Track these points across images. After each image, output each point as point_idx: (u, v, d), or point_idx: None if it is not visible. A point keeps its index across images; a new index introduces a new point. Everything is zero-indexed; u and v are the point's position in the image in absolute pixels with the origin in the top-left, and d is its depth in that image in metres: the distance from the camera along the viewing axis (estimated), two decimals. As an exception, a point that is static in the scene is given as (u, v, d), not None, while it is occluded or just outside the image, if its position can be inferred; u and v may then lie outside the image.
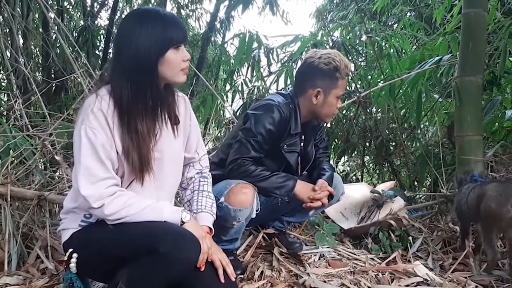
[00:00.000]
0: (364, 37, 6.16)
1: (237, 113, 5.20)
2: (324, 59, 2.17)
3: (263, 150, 2.15)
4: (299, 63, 5.70)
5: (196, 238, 1.56)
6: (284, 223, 2.55)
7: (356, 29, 5.91)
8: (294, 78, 2.35)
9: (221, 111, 5.66)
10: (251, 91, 5.65)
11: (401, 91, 4.21)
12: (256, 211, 2.10)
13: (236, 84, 5.81)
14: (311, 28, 10.91)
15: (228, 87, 6.20)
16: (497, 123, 4.20)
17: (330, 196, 2.24)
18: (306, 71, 2.24)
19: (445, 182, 3.33)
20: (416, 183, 4.63)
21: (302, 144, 2.31)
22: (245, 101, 5.51)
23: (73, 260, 1.58)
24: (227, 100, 5.87)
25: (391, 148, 4.95)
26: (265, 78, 5.59)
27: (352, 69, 2.21)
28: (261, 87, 5.67)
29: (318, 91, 2.18)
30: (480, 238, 2.56)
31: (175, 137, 1.74)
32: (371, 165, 5.47)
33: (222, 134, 5.68)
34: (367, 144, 5.10)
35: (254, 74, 5.41)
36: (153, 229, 1.55)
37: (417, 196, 4.03)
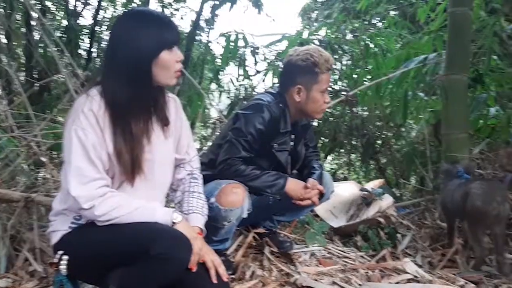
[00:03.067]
0: (349, 36, 6.20)
1: (224, 113, 5.19)
2: (302, 55, 2.17)
3: (254, 150, 2.14)
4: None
5: (187, 239, 1.55)
6: (274, 223, 2.54)
7: (342, 28, 5.93)
8: (278, 79, 2.35)
9: (207, 111, 5.65)
10: (238, 90, 5.65)
11: (387, 89, 4.23)
12: (248, 211, 2.09)
13: (222, 83, 5.80)
14: (297, 27, 10.96)
15: (214, 86, 6.20)
16: (482, 121, 4.26)
17: (321, 195, 2.24)
18: (286, 69, 2.25)
19: (431, 179, 3.35)
20: (402, 181, 4.67)
21: (292, 143, 2.31)
22: (232, 100, 5.51)
23: (64, 262, 1.56)
24: (213, 99, 5.86)
25: (378, 146, 4.99)
26: (252, 77, 5.60)
27: (334, 63, 2.20)
28: (248, 86, 5.67)
29: (299, 88, 2.17)
30: (467, 235, 2.60)
31: (166, 138, 1.73)
32: (357, 163, 5.50)
33: (208, 134, 5.68)
34: (354, 142, 5.13)
35: (241, 73, 5.40)
36: (145, 231, 1.53)
37: (405, 193, 4.07)
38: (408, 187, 4.37)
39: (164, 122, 1.72)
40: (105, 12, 7.50)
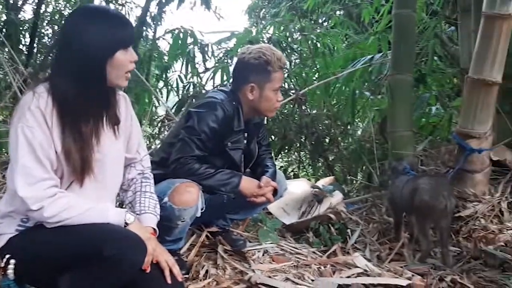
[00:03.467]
0: (296, 35, 6.27)
1: (173, 110, 5.13)
2: (254, 53, 2.18)
3: (207, 149, 2.12)
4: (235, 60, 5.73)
5: (141, 239, 1.53)
6: (227, 221, 2.54)
7: (290, 27, 6.00)
8: (231, 77, 2.36)
9: (155, 109, 5.55)
10: (186, 88, 5.59)
11: (335, 88, 4.33)
12: (201, 209, 2.08)
13: (170, 81, 5.72)
14: (244, 24, 10.98)
15: (161, 83, 6.09)
16: (424, 119, 4.44)
17: (274, 192, 2.26)
18: (239, 67, 2.25)
19: (378, 176, 3.46)
20: (350, 178, 4.80)
21: (245, 141, 2.31)
22: (180, 97, 5.44)
23: (11, 266, 1.49)
24: (161, 97, 5.77)
25: (326, 144, 5.09)
26: (201, 75, 5.56)
27: (286, 62, 2.23)
28: (197, 84, 5.62)
29: (252, 86, 2.18)
30: (413, 229, 2.70)
31: (116, 137, 1.69)
32: (307, 160, 5.59)
33: (156, 132, 5.58)
34: (303, 140, 5.21)
35: (189, 70, 5.34)
36: (97, 232, 1.49)
37: (354, 189, 4.17)
38: (356, 183, 4.49)
39: (114, 121, 1.68)
40: (47, 6, 7.20)
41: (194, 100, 5.33)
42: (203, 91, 5.48)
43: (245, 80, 2.17)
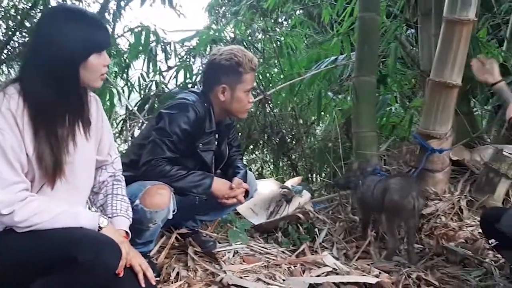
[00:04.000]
0: (259, 34, 6.29)
1: (135, 109, 5.05)
2: (226, 55, 2.18)
3: (178, 150, 2.11)
4: (199, 58, 5.70)
5: (116, 243, 1.52)
6: (197, 222, 2.53)
7: (254, 26, 6.02)
8: (201, 78, 2.36)
9: (115, 108, 5.44)
10: (149, 86, 5.51)
11: (300, 89, 4.37)
12: (173, 212, 2.06)
13: (131, 79, 5.62)
14: (204, 22, 10.91)
15: (120, 81, 5.97)
16: (384, 119, 4.56)
17: (246, 194, 2.27)
18: (210, 68, 2.25)
19: (342, 175, 3.52)
20: (315, 177, 4.87)
21: (216, 142, 2.31)
22: (143, 96, 5.36)
23: None
24: (122, 96, 5.66)
25: (290, 143, 5.15)
26: (164, 73, 5.49)
27: (257, 63, 2.26)
28: (159, 82, 5.55)
29: (223, 87, 2.18)
30: (380, 227, 2.77)
31: (87, 139, 1.67)
32: (271, 160, 5.63)
33: (117, 131, 5.47)
34: (268, 140, 5.24)
35: (151, 68, 5.26)
36: (70, 236, 1.47)
37: (317, 189, 4.23)
38: (320, 183, 4.55)
39: (86, 123, 1.66)
40: (1, 1, 6.91)
41: (157, 99, 5.28)
42: (166, 90, 5.44)
43: (217, 81, 2.17)
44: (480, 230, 2.69)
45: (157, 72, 5.35)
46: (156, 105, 5.13)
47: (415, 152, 3.37)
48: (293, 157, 5.30)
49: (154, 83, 5.46)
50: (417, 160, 3.18)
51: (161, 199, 1.99)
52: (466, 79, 3.13)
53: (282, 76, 4.81)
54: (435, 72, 3.04)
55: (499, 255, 2.51)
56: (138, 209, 1.93)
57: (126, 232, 1.72)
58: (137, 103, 5.23)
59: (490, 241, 2.38)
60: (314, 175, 5.08)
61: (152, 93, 5.37)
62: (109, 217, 1.71)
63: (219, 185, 2.16)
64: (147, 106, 5.05)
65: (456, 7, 2.89)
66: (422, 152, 3.12)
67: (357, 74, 3.56)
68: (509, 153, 3.06)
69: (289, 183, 3.15)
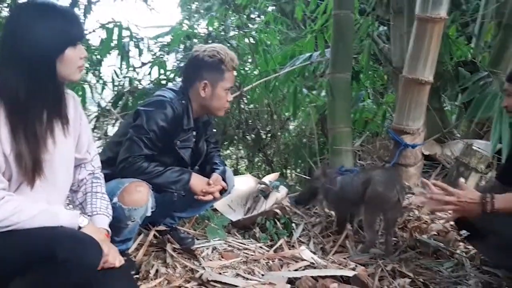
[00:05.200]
0: (233, 31, 6.28)
1: (109, 106, 5.00)
2: (209, 52, 2.19)
3: (156, 147, 2.11)
4: (173, 55, 5.66)
5: (96, 242, 1.51)
6: (175, 219, 2.53)
7: (228, 22, 6.01)
8: (182, 74, 2.36)
9: (87, 104, 5.37)
10: (122, 83, 5.45)
11: (275, 85, 4.41)
12: (152, 209, 2.06)
13: (103, 76, 5.54)
14: (177, 18, 10.84)
15: (92, 78, 5.89)
16: (358, 114, 4.63)
17: (223, 190, 2.28)
18: (192, 64, 2.25)
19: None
20: (291, 172, 4.91)
21: (194, 139, 2.31)
22: (116, 93, 5.30)
23: None
24: (95, 92, 5.59)
25: (266, 139, 5.18)
26: (137, 70, 5.44)
27: (238, 62, 2.28)
28: (133, 79, 5.50)
29: (205, 83, 2.19)
30: (354, 222, 2.82)
31: (66, 137, 1.65)
32: (247, 155, 5.65)
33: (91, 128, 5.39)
34: (243, 135, 5.26)
35: (124, 65, 5.20)
36: (50, 235, 1.45)
37: (297, 184, 4.27)
38: (296, 178, 4.60)
39: (64, 120, 1.64)
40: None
41: (131, 95, 5.22)
42: (140, 86, 5.39)
43: (199, 77, 2.18)
44: (452, 222, 2.77)
45: (131, 68, 5.31)
46: (130, 101, 5.10)
47: (388, 147, 3.45)
48: (268, 152, 5.34)
49: (127, 79, 5.42)
50: (391, 154, 3.25)
51: (140, 197, 1.99)
52: (437, 75, 3.21)
53: (256, 73, 4.83)
54: (408, 69, 3.11)
55: (470, 246, 2.60)
56: (116, 207, 1.92)
57: (107, 230, 1.71)
58: (110, 99, 5.18)
59: (461, 233, 2.47)
60: (289, 170, 5.13)
61: (126, 90, 5.32)
62: (88, 215, 1.69)
63: (197, 180, 2.17)
64: (121, 102, 5.01)
65: (428, 5, 2.96)
66: (396, 147, 3.19)
67: (332, 71, 3.60)
68: (479, 148, 3.16)
69: (267, 178, 3.17)
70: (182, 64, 5.42)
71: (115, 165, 2.10)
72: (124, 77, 5.44)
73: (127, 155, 2.06)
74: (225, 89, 2.22)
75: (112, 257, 1.60)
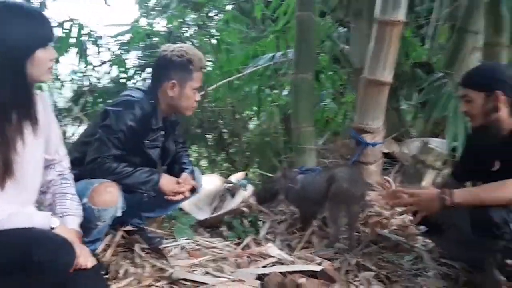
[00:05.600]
0: (191, 29, 6.27)
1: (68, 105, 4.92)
2: (177, 51, 2.22)
3: (125, 148, 2.11)
4: (133, 53, 5.61)
5: (69, 243, 1.52)
6: (143, 219, 2.53)
7: (188, 21, 6.00)
8: (150, 74, 2.37)
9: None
10: (81, 82, 5.37)
11: (239, 85, 4.45)
12: (122, 209, 2.07)
13: (59, 75, 5.43)
14: (134, 15, 10.68)
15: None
16: (319, 114, 4.74)
17: (193, 189, 2.31)
18: (161, 64, 2.26)
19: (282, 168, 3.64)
20: (252, 171, 4.96)
21: (162, 139, 2.32)
22: (76, 91, 5.22)
23: None
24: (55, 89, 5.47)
25: (228, 138, 5.21)
26: (97, 68, 5.38)
27: (205, 63, 2.32)
28: (92, 77, 5.42)
29: (173, 83, 2.20)
30: (319, 217, 2.89)
31: (35, 138, 1.64)
32: (208, 154, 5.66)
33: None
34: (206, 135, 5.28)
35: (83, 64, 5.11)
36: (24, 236, 1.45)
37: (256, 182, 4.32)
38: (260, 176, 4.64)
39: (34, 121, 1.63)
40: None
41: (90, 94, 5.15)
42: (99, 85, 5.33)
43: (167, 77, 2.19)
44: (411, 217, 2.90)
45: (89, 67, 5.23)
46: (90, 100, 5.03)
47: (349, 146, 3.55)
48: (231, 151, 5.38)
49: (87, 78, 5.34)
50: (353, 153, 3.35)
51: (110, 197, 2.00)
52: (395, 76, 3.34)
53: (219, 72, 4.85)
54: (369, 70, 3.21)
55: (428, 240, 2.72)
56: (86, 207, 1.92)
57: (78, 231, 1.72)
58: (70, 98, 5.09)
59: (419, 228, 2.59)
60: (252, 169, 5.18)
61: (85, 88, 5.24)
62: (59, 217, 1.69)
63: (166, 181, 2.19)
64: (81, 101, 4.94)
65: (388, 9, 3.07)
66: (357, 145, 3.29)
67: (296, 71, 3.68)
68: (435, 146, 3.31)
69: (233, 178, 3.21)
70: (142, 63, 5.40)
71: (83, 166, 2.09)
72: (84, 75, 5.35)
73: (96, 156, 2.05)
74: (193, 89, 2.24)
75: (84, 258, 1.60)
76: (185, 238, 2.60)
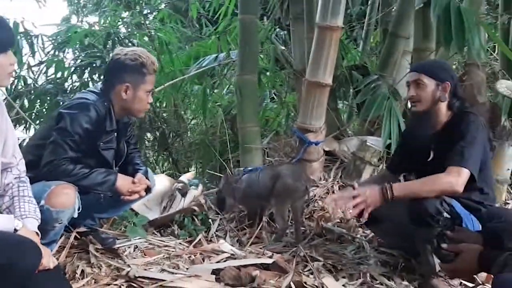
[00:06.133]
0: (129, 28, 6.21)
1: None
2: (131, 55, 2.26)
3: (80, 150, 2.13)
4: (70, 53, 5.48)
5: (36, 244, 1.55)
6: (95, 220, 2.55)
7: (127, 20, 5.95)
8: (103, 76, 2.39)
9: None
10: (16, 82, 5.18)
11: (182, 86, 4.50)
12: (78, 210, 2.08)
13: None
14: (63, 13, 10.37)
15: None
16: (261, 114, 4.88)
17: (147, 189, 2.36)
18: (114, 67, 2.30)
19: (232, 168, 3.75)
20: (193, 170, 5.02)
21: (116, 140, 2.36)
22: (13, 92, 5.04)
23: None
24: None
25: (171, 138, 5.24)
26: (33, 68, 5.21)
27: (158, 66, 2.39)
28: (28, 78, 5.25)
29: (127, 86, 2.24)
30: (266, 213, 3.03)
31: None
32: (152, 155, 5.66)
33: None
34: (149, 135, 5.27)
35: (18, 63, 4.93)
36: None
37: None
38: (207, 176, 4.72)
39: None
40: None
41: (27, 95, 4.98)
42: (36, 86, 5.16)
43: (121, 80, 2.22)
44: (352, 211, 3.11)
45: (25, 67, 5.06)
46: (27, 101, 4.87)
47: (293, 145, 3.72)
48: (174, 152, 5.41)
49: (21, 78, 5.17)
50: (296, 151, 3.51)
51: (67, 199, 2.01)
52: (333, 78, 3.53)
53: (162, 73, 4.87)
54: (310, 73, 3.38)
55: (367, 231, 2.94)
56: (44, 209, 1.93)
57: (37, 233, 1.73)
58: (4, 99, 4.90)
59: (361, 219, 2.80)
60: (195, 169, 5.24)
61: (21, 89, 5.07)
62: (19, 219, 1.70)
63: (122, 181, 2.23)
64: (18, 102, 4.78)
65: (327, 15, 3.25)
66: (301, 144, 3.45)
67: (240, 73, 3.79)
68: (371, 144, 3.54)
69: (184, 177, 3.27)
70: (81, 63, 5.29)
71: (37, 168, 2.09)
72: (18, 76, 5.17)
73: (52, 158, 2.06)
74: (146, 92, 2.29)
75: (46, 259, 1.63)
76: (138, 237, 2.64)
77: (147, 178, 2.39)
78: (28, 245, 1.50)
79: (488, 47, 4.54)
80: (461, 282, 2.27)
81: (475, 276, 2.14)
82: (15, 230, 1.57)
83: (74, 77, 5.24)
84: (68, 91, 5.18)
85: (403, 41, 3.96)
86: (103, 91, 2.27)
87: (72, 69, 5.33)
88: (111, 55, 2.37)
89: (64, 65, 5.10)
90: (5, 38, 1.56)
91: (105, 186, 2.16)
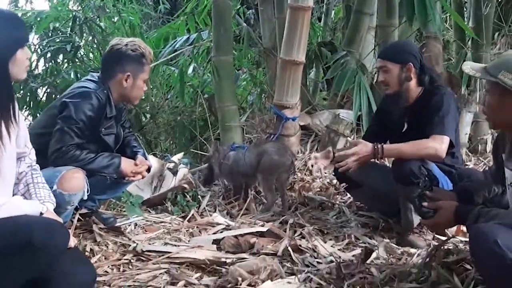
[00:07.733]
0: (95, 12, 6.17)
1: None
2: (131, 46, 2.39)
3: (85, 136, 2.26)
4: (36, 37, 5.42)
5: (63, 225, 1.69)
6: (95, 202, 2.68)
7: (91, 4, 5.91)
8: (101, 64, 2.50)
9: None
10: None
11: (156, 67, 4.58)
12: (87, 192, 2.23)
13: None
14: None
15: None
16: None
17: (148, 169, 2.52)
18: (115, 57, 2.41)
19: (208, 146, 3.91)
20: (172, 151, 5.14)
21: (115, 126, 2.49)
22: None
23: None
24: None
25: (146, 119, 5.33)
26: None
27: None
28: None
29: (128, 75, 2.38)
30: (250, 187, 3.23)
31: (11, 132, 1.75)
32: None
33: None
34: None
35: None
36: (21, 222, 1.57)
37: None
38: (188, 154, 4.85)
39: (15, 118, 1.75)
40: None
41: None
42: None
43: (122, 69, 2.36)
44: (330, 181, 3.38)
45: None
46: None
47: (269, 121, 3.92)
48: (149, 133, 5.50)
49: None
50: (275, 127, 3.70)
51: (77, 182, 2.15)
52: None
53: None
54: (285, 51, 3.55)
55: (346, 197, 3.21)
56: (56, 193, 2.05)
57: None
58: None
59: (342, 185, 3.06)
60: (171, 149, 5.36)
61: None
62: (39, 204, 1.82)
63: (126, 163, 2.38)
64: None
65: (299, -5, 3.42)
66: (278, 120, 3.64)
67: (216, 54, 3.93)
68: (343, 116, 3.79)
69: (175, 158, 3.43)
70: (48, 48, 5.26)
71: (42, 156, 2.19)
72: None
73: (59, 145, 2.18)
74: (144, 80, 2.44)
75: (71, 239, 1.77)
76: (136, 216, 2.79)
77: (146, 159, 2.55)
78: (57, 227, 1.62)
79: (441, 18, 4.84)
80: (434, 237, 2.56)
81: (446, 230, 2.42)
82: (41, 213, 1.68)
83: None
84: (39, 76, 5.18)
85: (368, 18, 4.19)
86: (101, 79, 2.39)
87: (40, 53, 5.32)
88: (110, 43, 2.47)
89: (31, 50, 5.07)
90: (22, 34, 1.67)
91: (110, 168, 2.30)
